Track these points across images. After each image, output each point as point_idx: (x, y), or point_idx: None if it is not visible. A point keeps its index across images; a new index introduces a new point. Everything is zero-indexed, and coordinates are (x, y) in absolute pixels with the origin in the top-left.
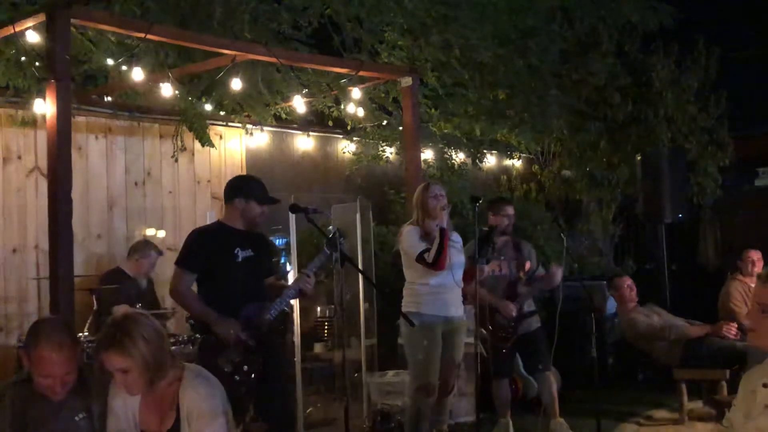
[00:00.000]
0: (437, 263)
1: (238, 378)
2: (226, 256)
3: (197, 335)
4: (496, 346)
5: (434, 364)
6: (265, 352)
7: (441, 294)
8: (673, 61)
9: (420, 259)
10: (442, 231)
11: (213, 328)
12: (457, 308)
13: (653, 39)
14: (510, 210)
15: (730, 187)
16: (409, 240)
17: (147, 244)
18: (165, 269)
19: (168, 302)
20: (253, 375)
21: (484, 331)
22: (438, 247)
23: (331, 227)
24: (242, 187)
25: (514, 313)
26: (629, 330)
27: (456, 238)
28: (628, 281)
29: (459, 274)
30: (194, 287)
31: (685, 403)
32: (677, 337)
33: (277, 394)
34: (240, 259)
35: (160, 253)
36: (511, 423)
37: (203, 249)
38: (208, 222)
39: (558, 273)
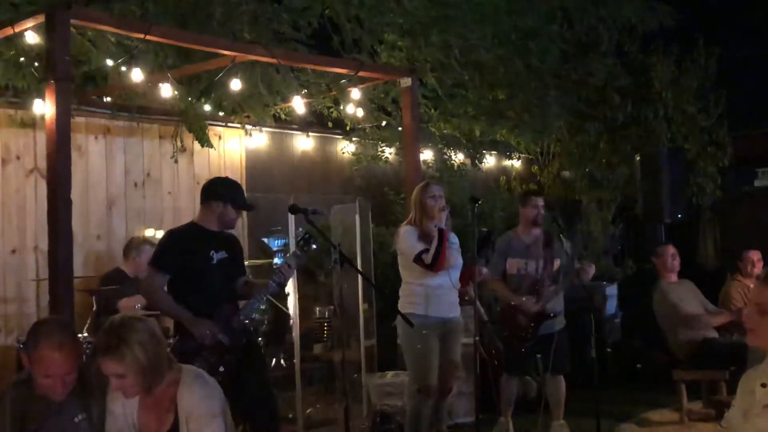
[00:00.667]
0: (435, 264)
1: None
2: (201, 257)
3: None
4: (514, 344)
5: (433, 366)
6: (240, 352)
7: (439, 295)
8: (673, 61)
9: (418, 260)
10: (441, 232)
11: (189, 329)
12: (454, 309)
13: (653, 39)
14: (539, 201)
15: (730, 188)
16: (407, 240)
17: (141, 241)
18: None
19: None
20: (228, 375)
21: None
22: (437, 248)
23: (300, 229)
24: (221, 191)
25: (533, 309)
26: (658, 302)
27: (454, 239)
28: (672, 250)
29: (456, 275)
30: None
31: (684, 403)
32: (700, 328)
33: (254, 394)
34: (215, 261)
35: (154, 246)
36: (511, 423)
37: (177, 250)
38: None
39: (590, 270)
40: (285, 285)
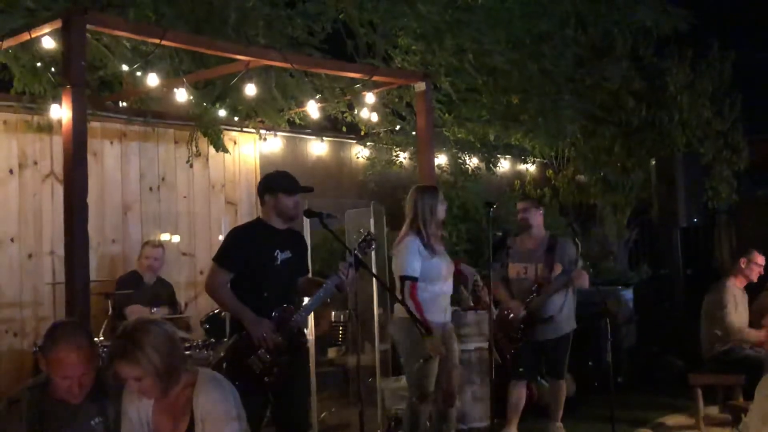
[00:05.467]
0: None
1: (267, 379)
2: (266, 257)
3: (212, 339)
4: (506, 346)
5: (432, 372)
6: (292, 354)
7: (438, 301)
8: (688, 65)
9: (401, 281)
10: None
11: (247, 327)
12: (449, 314)
13: (667, 43)
14: (520, 205)
15: (745, 192)
16: (407, 254)
17: (144, 243)
18: (180, 272)
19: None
20: (280, 376)
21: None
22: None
23: (362, 230)
24: (268, 183)
25: (521, 313)
26: (712, 294)
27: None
28: (762, 260)
29: (451, 283)
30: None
31: (701, 408)
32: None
33: (297, 399)
34: (279, 262)
35: (155, 246)
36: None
37: (242, 249)
38: (222, 227)
39: (583, 276)
40: (344, 287)
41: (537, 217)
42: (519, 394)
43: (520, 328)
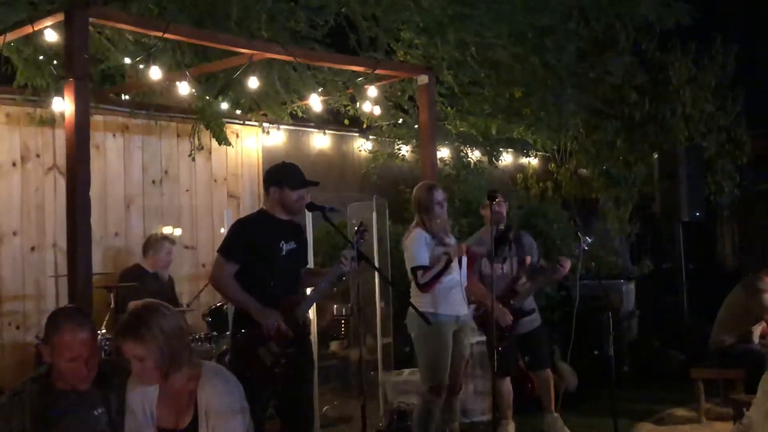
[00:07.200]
0: (427, 288)
1: (277, 371)
2: (271, 248)
3: (215, 332)
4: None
5: (446, 364)
6: (298, 346)
7: (453, 293)
8: (691, 59)
9: (414, 272)
10: (449, 262)
11: (256, 318)
12: (463, 307)
13: (670, 37)
14: (499, 198)
15: (748, 186)
16: (414, 246)
17: (159, 237)
18: (182, 265)
19: (185, 299)
20: (288, 368)
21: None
22: (436, 274)
23: (354, 221)
24: (274, 176)
25: (509, 322)
26: (751, 294)
27: (452, 241)
28: None
29: (461, 272)
30: None
31: (702, 402)
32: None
33: (303, 391)
34: (284, 253)
35: (173, 243)
36: (513, 424)
37: (247, 240)
38: (225, 220)
39: (566, 265)
40: (344, 276)
41: (504, 210)
42: (507, 388)
43: (508, 326)
